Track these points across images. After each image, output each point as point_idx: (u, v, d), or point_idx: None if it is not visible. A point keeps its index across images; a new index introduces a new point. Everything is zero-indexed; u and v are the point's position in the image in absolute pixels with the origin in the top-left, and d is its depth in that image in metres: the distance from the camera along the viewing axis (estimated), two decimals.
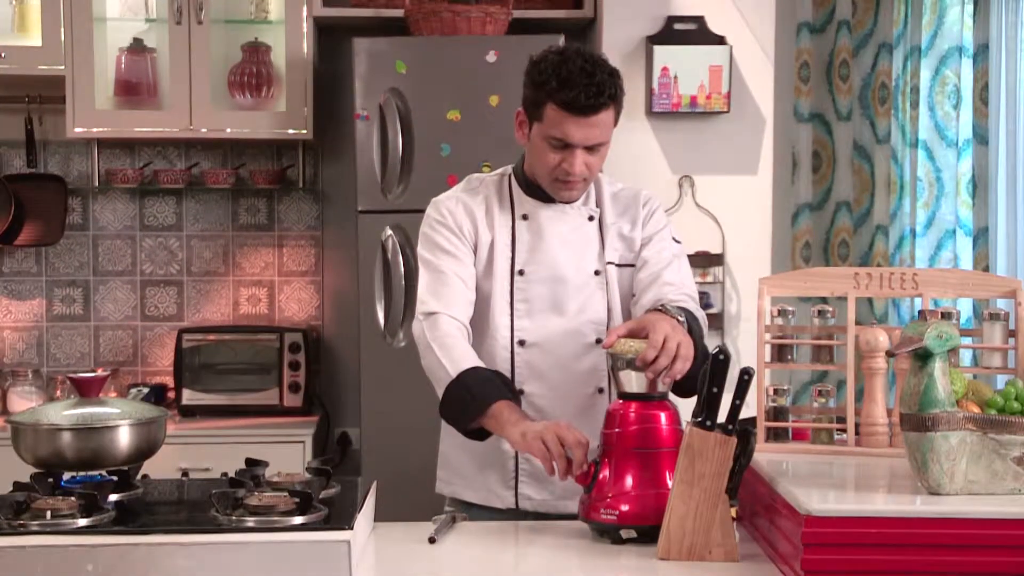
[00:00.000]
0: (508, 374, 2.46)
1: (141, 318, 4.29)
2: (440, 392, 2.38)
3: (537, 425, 2.24)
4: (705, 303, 3.87)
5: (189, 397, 4.01)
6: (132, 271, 4.29)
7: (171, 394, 4.13)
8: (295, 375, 4.05)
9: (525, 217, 2.52)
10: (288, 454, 3.73)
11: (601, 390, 2.49)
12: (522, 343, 2.48)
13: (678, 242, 2.58)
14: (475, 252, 2.51)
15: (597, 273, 2.51)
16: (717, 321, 3.88)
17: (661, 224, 2.57)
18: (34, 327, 4.26)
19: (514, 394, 2.39)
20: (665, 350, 2.15)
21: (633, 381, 2.20)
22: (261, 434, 3.82)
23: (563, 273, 2.48)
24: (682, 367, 2.17)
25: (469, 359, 2.38)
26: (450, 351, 2.38)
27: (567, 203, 2.51)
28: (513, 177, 2.56)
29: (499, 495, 2.51)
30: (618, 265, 2.53)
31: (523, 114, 2.46)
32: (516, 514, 2.49)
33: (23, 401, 4.04)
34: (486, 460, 2.51)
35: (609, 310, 2.50)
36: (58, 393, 4.07)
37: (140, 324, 4.29)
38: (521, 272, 2.49)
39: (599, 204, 2.55)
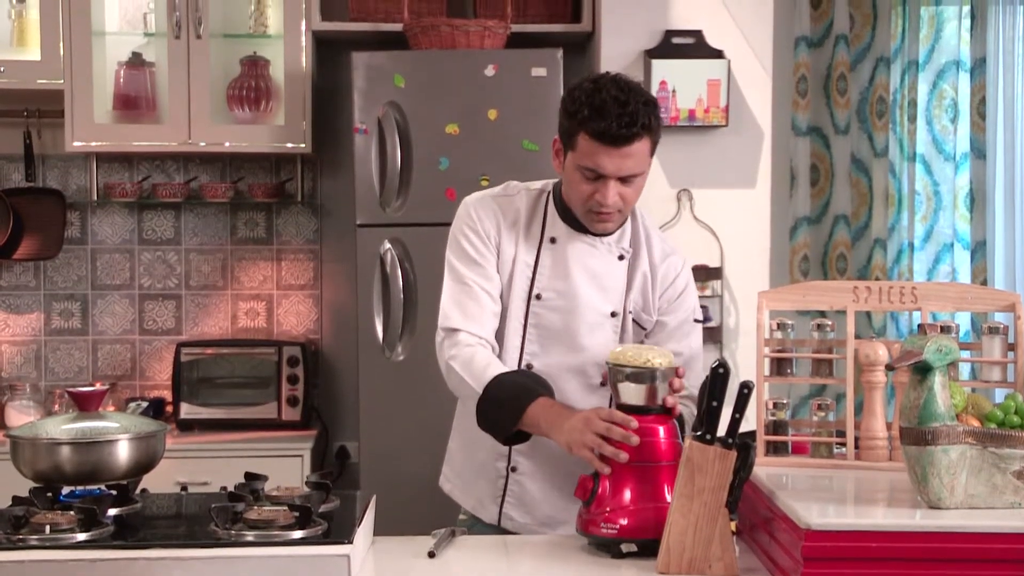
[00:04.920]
0: None
1: (139, 332, 4.29)
2: (477, 418, 2.33)
3: (576, 429, 2.16)
4: (704, 316, 3.86)
5: (187, 411, 4.01)
6: (130, 285, 4.29)
7: (169, 408, 4.12)
8: (293, 389, 4.04)
9: (553, 240, 2.44)
10: (287, 468, 3.73)
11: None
12: (529, 367, 2.43)
13: (699, 321, 2.51)
14: (498, 259, 2.44)
15: (614, 315, 2.44)
16: (715, 334, 3.88)
17: (689, 306, 2.48)
18: (32, 341, 4.26)
19: (544, 386, 2.32)
20: (680, 384, 2.19)
21: (632, 393, 2.18)
22: (259, 448, 3.82)
23: (579, 307, 2.41)
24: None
25: (492, 369, 2.31)
26: (470, 366, 2.33)
27: (601, 235, 2.43)
28: (551, 197, 2.48)
29: (486, 508, 2.51)
30: (634, 320, 2.46)
31: (558, 142, 2.39)
32: (497, 530, 2.48)
33: (21, 415, 4.03)
34: (482, 471, 2.50)
35: None
36: (56, 407, 4.07)
37: (138, 338, 4.29)
38: (539, 296, 2.42)
39: (634, 245, 2.47)
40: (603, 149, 2.28)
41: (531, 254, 2.43)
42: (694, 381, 2.34)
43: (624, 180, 2.32)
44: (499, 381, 2.29)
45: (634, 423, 2.13)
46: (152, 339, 4.29)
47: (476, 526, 2.52)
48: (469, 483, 2.55)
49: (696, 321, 2.51)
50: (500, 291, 2.42)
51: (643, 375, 2.16)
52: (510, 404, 2.27)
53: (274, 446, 3.84)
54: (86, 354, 4.27)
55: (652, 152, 2.35)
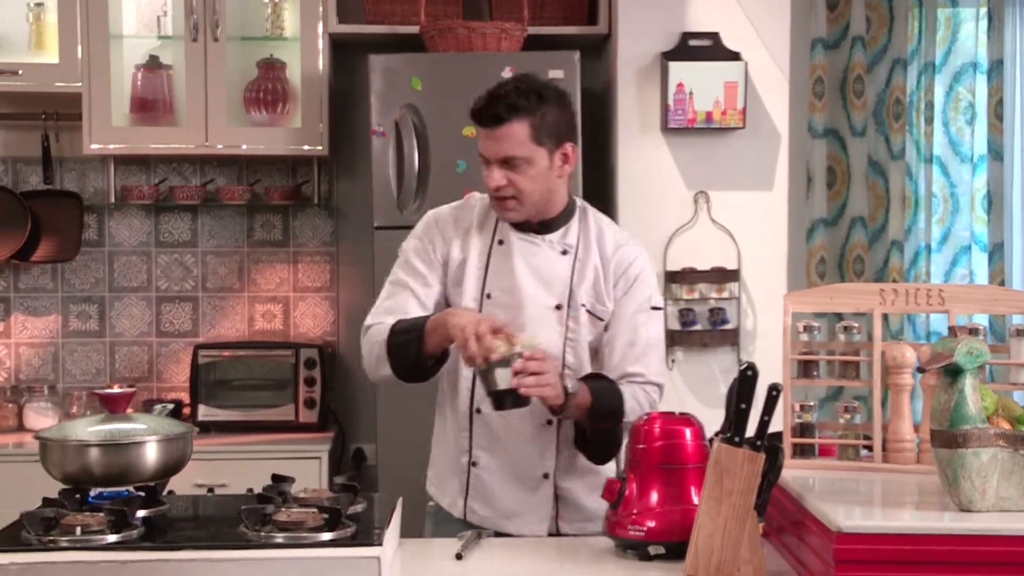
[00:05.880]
0: (470, 391, 2.53)
1: (156, 334, 4.30)
2: (389, 361, 2.47)
3: (472, 320, 2.32)
4: (722, 319, 3.87)
5: (205, 413, 4.01)
6: (147, 287, 4.30)
7: (187, 410, 4.12)
8: (310, 391, 4.04)
9: (501, 242, 2.56)
10: (304, 470, 3.72)
11: (550, 422, 2.51)
12: None
13: (657, 308, 2.60)
14: (445, 269, 2.57)
15: (559, 308, 2.53)
16: (732, 337, 3.88)
17: (643, 295, 2.57)
18: (50, 343, 4.27)
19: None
20: (540, 366, 2.30)
21: (498, 379, 2.28)
22: (277, 450, 3.82)
23: (523, 302, 2.52)
24: (537, 388, 2.30)
25: (393, 323, 2.48)
26: (372, 336, 2.51)
27: (520, 231, 2.55)
28: None
29: (456, 503, 2.58)
30: (588, 311, 2.54)
31: None
32: (465, 525, 2.53)
33: (39, 417, 4.04)
34: (451, 467, 2.59)
35: (575, 351, 2.52)
36: (74, 409, 4.07)
37: (155, 340, 4.30)
38: (489, 296, 2.54)
39: (583, 241, 2.57)
40: (480, 132, 2.47)
41: (483, 257, 2.56)
42: (655, 368, 2.54)
43: (509, 165, 2.45)
44: (400, 322, 2.47)
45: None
46: (169, 341, 4.30)
47: (444, 521, 2.59)
48: (444, 481, 2.63)
49: (654, 308, 2.59)
50: (437, 298, 2.56)
51: (508, 360, 2.28)
52: (412, 325, 2.44)
53: (292, 448, 3.84)
54: (103, 356, 4.28)
55: (538, 140, 2.45)
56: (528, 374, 2.29)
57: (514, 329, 2.38)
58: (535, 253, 2.55)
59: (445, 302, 2.57)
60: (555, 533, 2.53)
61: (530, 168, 2.45)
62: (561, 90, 2.53)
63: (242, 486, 2.74)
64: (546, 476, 2.53)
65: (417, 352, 2.43)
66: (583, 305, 2.53)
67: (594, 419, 2.45)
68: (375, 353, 2.50)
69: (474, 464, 2.55)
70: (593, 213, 2.63)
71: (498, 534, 2.47)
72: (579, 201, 2.65)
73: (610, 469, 2.57)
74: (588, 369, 2.54)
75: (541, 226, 2.56)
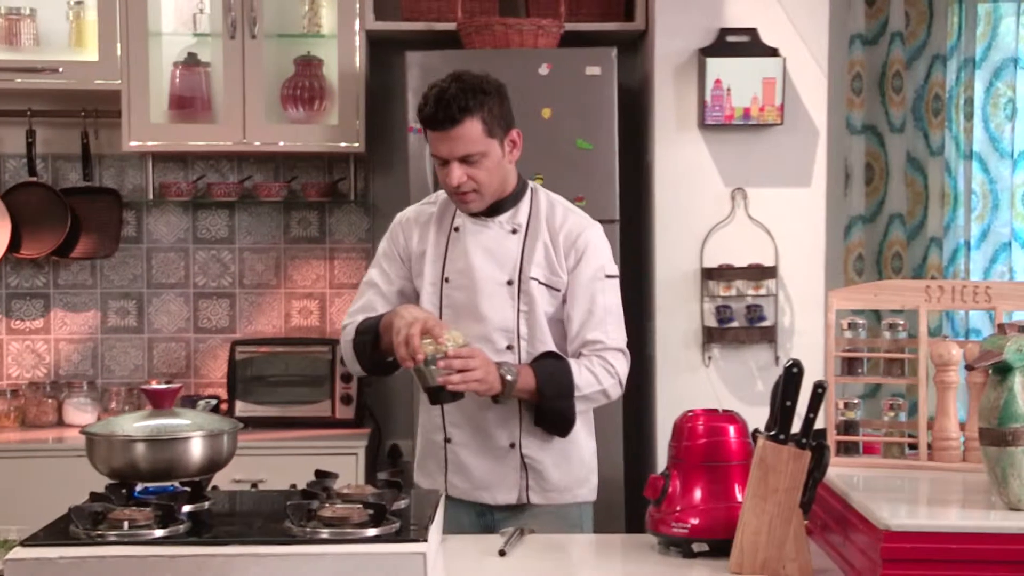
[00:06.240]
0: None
1: (194, 330, 4.32)
2: (357, 359, 2.67)
3: (406, 322, 2.45)
4: (759, 316, 3.85)
5: (242, 409, 4.03)
6: (185, 283, 4.33)
7: (224, 406, 4.14)
8: (347, 387, 4.06)
9: (457, 229, 2.71)
10: (342, 466, 3.68)
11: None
12: None
13: (611, 277, 2.71)
14: (409, 264, 2.74)
15: (510, 283, 2.66)
16: (769, 334, 3.86)
17: (595, 264, 2.68)
18: (89, 339, 4.30)
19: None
20: (465, 363, 2.45)
21: (428, 377, 2.45)
22: (314, 446, 3.83)
23: (478, 281, 2.66)
24: (464, 384, 2.46)
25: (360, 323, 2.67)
26: (348, 334, 2.70)
27: (473, 215, 2.68)
28: None
29: (437, 481, 2.72)
30: (541, 283, 2.66)
31: None
32: (448, 500, 2.60)
33: (79, 412, 4.08)
34: (430, 448, 2.75)
35: (529, 323, 2.65)
36: (112, 404, 4.10)
37: (193, 336, 4.32)
38: (447, 280, 2.69)
39: (533, 220, 2.70)
40: (433, 135, 2.58)
41: (441, 245, 2.71)
42: (614, 335, 2.67)
43: (467, 162, 2.57)
44: (364, 322, 2.67)
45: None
46: (207, 337, 4.32)
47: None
48: (425, 461, 2.78)
49: (609, 277, 2.71)
50: (401, 289, 2.74)
51: (435, 359, 2.44)
52: (370, 325, 2.64)
53: (329, 444, 3.85)
54: (142, 352, 4.31)
55: (491, 132, 2.58)
56: (455, 371, 2.45)
57: (460, 320, 2.61)
58: (486, 234, 2.69)
59: (415, 294, 2.74)
60: (525, 502, 2.67)
61: (487, 161, 2.59)
62: (496, 81, 2.67)
63: (279, 482, 2.77)
64: (512, 445, 2.66)
65: (374, 350, 2.62)
66: (533, 279, 2.65)
67: (543, 398, 2.58)
68: (347, 352, 2.71)
69: (449, 440, 2.70)
70: (545, 193, 2.76)
71: (476, 504, 2.68)
72: (531, 183, 2.78)
73: (580, 442, 2.72)
74: (543, 338, 2.65)
75: (491, 209, 2.69)
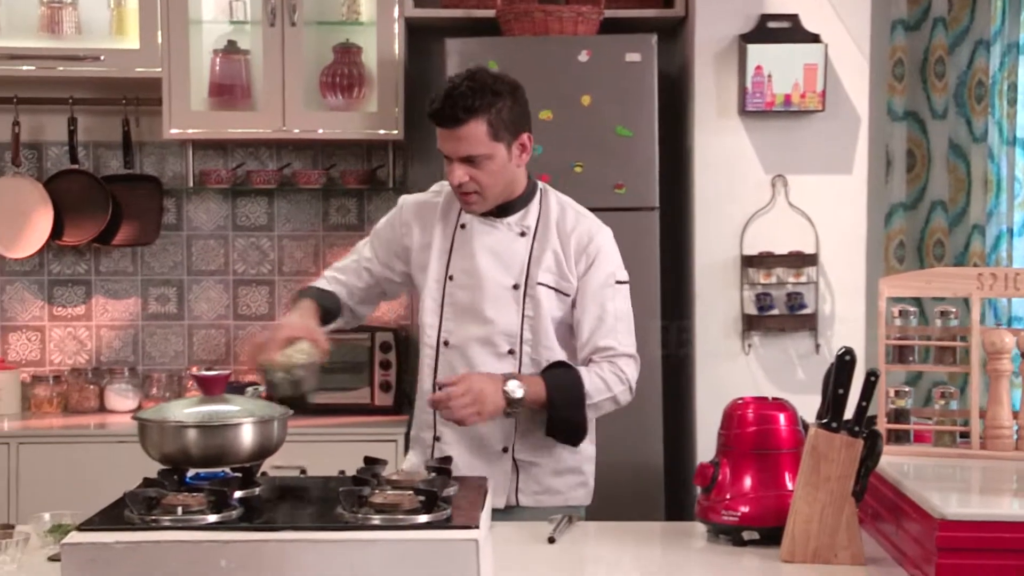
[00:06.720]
0: (433, 372, 2.66)
1: (234, 317, 4.34)
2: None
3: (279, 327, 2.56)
4: (799, 303, 3.84)
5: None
6: (225, 271, 4.35)
7: (263, 393, 4.15)
8: (386, 374, 4.07)
9: (463, 226, 2.66)
10: (382, 453, 3.65)
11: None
12: (447, 344, 2.64)
13: (622, 283, 2.65)
14: (410, 252, 2.70)
15: (516, 287, 2.61)
16: (811, 322, 3.85)
17: (606, 270, 2.63)
18: (130, 326, 4.33)
19: (317, 292, 2.70)
20: (451, 398, 2.43)
21: (277, 387, 2.55)
22: (354, 433, 3.85)
23: (482, 282, 2.61)
24: (449, 415, 2.46)
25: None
26: (310, 286, 2.73)
27: (474, 215, 2.63)
28: None
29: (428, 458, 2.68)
30: (550, 288, 2.61)
31: None
32: None
33: (120, 398, 4.11)
34: (420, 444, 2.73)
35: (533, 327, 2.60)
36: (153, 390, 4.13)
37: (232, 323, 4.34)
38: (451, 277, 2.64)
39: (542, 223, 2.64)
40: (440, 132, 2.54)
41: (447, 241, 2.66)
42: (625, 341, 2.61)
43: (470, 162, 2.52)
44: (308, 288, 2.73)
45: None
46: (246, 324, 4.34)
47: None
48: (415, 440, 2.77)
49: (619, 283, 2.66)
50: (379, 274, 2.74)
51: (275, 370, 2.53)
52: (309, 293, 2.71)
53: (368, 431, 3.86)
54: (182, 339, 4.33)
55: (496, 136, 2.51)
56: (444, 407, 2.45)
57: (462, 320, 2.60)
58: (494, 236, 2.64)
59: (389, 284, 2.77)
60: (514, 504, 2.63)
61: (490, 163, 2.53)
62: (513, 82, 2.60)
63: (321, 469, 2.78)
64: (505, 450, 2.63)
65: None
66: (541, 284, 2.60)
67: (554, 409, 2.53)
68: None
69: (438, 439, 2.67)
70: (555, 195, 2.71)
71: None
72: (540, 184, 2.72)
73: (579, 447, 2.66)
74: (548, 343, 2.60)
75: (500, 210, 2.64)
